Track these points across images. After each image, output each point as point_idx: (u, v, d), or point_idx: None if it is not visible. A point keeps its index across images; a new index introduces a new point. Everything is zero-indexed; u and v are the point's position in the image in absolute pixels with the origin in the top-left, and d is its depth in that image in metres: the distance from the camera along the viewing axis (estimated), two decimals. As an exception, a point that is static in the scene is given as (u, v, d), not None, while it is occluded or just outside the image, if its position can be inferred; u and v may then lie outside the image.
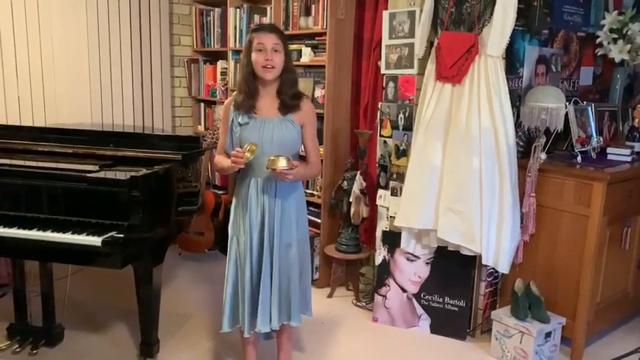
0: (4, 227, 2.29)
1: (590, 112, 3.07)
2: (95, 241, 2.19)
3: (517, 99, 2.93)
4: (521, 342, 2.69)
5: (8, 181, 2.39)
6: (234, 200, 2.36)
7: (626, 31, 3.16)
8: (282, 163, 2.07)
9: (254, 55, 2.17)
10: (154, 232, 2.45)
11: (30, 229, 2.28)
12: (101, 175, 2.42)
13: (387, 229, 3.18)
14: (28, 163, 2.65)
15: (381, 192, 3.24)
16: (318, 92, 3.52)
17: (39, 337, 2.73)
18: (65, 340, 2.83)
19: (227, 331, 2.36)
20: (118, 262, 2.23)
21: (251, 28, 2.29)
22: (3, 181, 2.40)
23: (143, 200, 2.30)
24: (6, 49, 3.55)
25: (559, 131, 2.84)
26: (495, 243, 2.73)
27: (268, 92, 2.24)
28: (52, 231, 2.26)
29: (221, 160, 2.31)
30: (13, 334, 2.75)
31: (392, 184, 3.15)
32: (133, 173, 2.35)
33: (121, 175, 2.40)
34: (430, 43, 2.88)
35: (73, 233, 2.24)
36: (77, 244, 2.21)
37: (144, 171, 2.41)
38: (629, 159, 2.94)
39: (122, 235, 2.21)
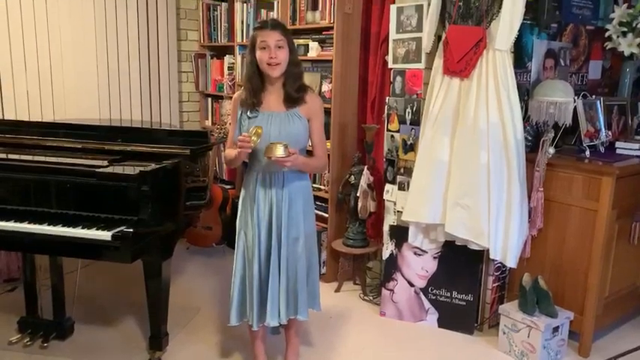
0: (15, 222, 2.31)
1: (599, 106, 3.05)
2: (105, 235, 2.21)
3: (525, 93, 2.92)
4: (528, 336, 2.69)
5: (19, 177, 2.41)
6: (241, 194, 2.37)
7: (636, 25, 3.14)
8: (278, 151, 2.07)
9: (258, 54, 2.18)
10: (163, 226, 2.47)
11: (40, 223, 2.29)
12: (110, 170, 2.43)
13: (395, 224, 3.18)
14: (37, 158, 2.67)
15: (388, 186, 3.24)
16: (325, 87, 3.52)
17: (50, 331, 2.77)
18: (75, 333, 2.86)
19: (235, 325, 2.38)
20: (127, 256, 2.24)
21: (254, 26, 2.29)
22: (13, 176, 2.42)
23: (152, 195, 2.31)
24: (14, 45, 3.57)
25: (567, 125, 2.83)
26: (503, 237, 2.73)
27: (275, 87, 2.25)
28: (62, 226, 2.28)
29: (231, 153, 2.32)
30: (24, 328, 2.79)
31: (399, 178, 3.15)
32: (141, 168, 2.36)
33: (129, 169, 2.41)
34: (438, 38, 2.87)
35: (82, 228, 2.26)
36: (87, 238, 2.23)
37: (152, 166, 2.42)
38: (638, 153, 2.93)
39: (132, 230, 2.22)
